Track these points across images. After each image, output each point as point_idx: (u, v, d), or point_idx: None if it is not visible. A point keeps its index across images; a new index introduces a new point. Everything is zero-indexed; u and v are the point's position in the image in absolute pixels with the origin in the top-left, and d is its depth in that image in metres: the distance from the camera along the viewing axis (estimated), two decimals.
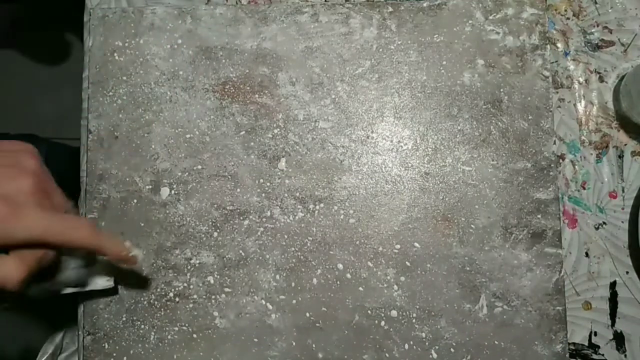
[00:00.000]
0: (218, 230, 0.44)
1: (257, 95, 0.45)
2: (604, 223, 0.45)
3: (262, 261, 0.44)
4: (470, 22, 0.46)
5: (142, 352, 0.43)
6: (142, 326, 0.43)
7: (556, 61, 0.47)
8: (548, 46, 0.45)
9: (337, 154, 0.45)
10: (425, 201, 0.44)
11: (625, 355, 0.44)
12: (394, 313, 0.43)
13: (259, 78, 0.45)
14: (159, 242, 0.44)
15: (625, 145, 0.46)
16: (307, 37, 0.46)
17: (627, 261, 0.45)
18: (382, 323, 0.43)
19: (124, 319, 0.43)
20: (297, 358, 0.43)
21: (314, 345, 0.43)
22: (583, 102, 0.46)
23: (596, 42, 0.47)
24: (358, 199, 0.44)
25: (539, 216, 0.44)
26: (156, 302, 0.43)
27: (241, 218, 0.44)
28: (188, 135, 0.45)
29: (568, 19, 0.47)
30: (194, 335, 0.43)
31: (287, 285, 0.43)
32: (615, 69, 0.46)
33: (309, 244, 0.44)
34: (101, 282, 0.41)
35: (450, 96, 0.45)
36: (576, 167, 0.46)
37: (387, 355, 0.43)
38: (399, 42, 0.46)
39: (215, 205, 0.44)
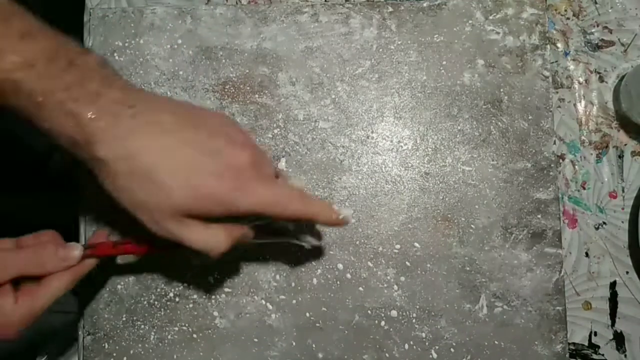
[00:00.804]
0: None
1: (257, 95, 0.45)
2: (604, 223, 0.45)
3: (262, 261, 0.44)
4: (470, 22, 0.46)
5: (142, 352, 0.43)
6: (142, 326, 0.43)
7: (556, 61, 0.47)
8: (548, 46, 0.45)
9: (337, 154, 0.45)
10: (425, 201, 0.44)
11: (625, 355, 0.44)
12: (394, 313, 0.43)
13: (259, 78, 0.45)
14: None
15: (625, 145, 0.46)
16: (307, 37, 0.46)
17: (627, 261, 0.45)
18: (382, 323, 0.43)
19: (124, 319, 0.43)
20: (297, 358, 0.43)
21: (314, 345, 0.43)
22: (583, 102, 0.46)
23: (596, 42, 0.47)
24: (358, 199, 0.44)
25: (539, 216, 0.44)
26: (156, 302, 0.43)
27: None
28: None
29: (568, 19, 0.47)
30: (194, 335, 0.43)
31: (287, 285, 0.43)
32: (615, 69, 0.46)
33: None
34: (312, 240, 0.40)
35: (450, 96, 0.45)
36: (576, 167, 0.46)
37: (387, 355, 0.43)
38: (399, 42, 0.46)
39: None
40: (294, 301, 0.43)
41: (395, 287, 0.43)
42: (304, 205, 0.33)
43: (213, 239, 0.32)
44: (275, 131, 0.45)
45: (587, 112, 0.46)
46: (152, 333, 0.43)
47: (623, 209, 0.45)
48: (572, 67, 0.47)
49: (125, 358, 0.43)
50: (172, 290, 0.44)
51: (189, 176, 0.30)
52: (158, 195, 0.29)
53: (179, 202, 0.30)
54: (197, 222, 0.31)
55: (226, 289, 0.44)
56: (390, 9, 0.46)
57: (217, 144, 0.31)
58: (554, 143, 0.44)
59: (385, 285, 0.43)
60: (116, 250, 0.37)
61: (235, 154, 0.31)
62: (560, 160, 0.46)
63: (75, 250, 0.34)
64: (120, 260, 0.43)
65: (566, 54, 0.47)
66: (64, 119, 0.28)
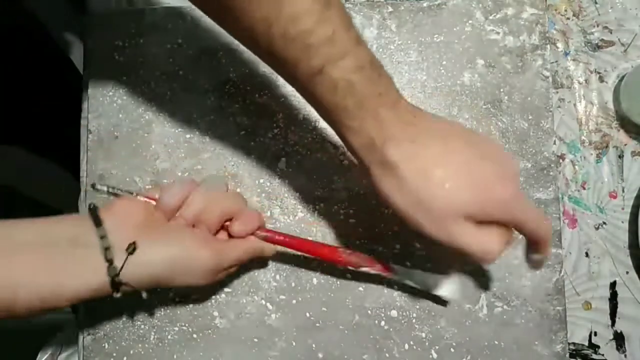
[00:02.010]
0: None
1: (257, 95, 0.45)
2: (604, 223, 0.45)
3: (262, 261, 0.44)
4: (470, 22, 0.46)
5: (142, 352, 0.43)
6: (142, 326, 0.43)
7: (556, 61, 0.47)
8: (548, 46, 0.45)
9: (337, 154, 0.45)
10: None
11: (625, 355, 0.44)
12: (394, 313, 0.43)
13: (259, 78, 0.45)
14: None
15: (625, 145, 0.46)
16: None
17: (627, 261, 0.45)
18: (382, 323, 0.43)
19: (124, 319, 0.43)
20: (297, 358, 0.43)
21: (314, 345, 0.43)
22: (583, 102, 0.46)
23: (596, 42, 0.47)
24: (358, 199, 0.44)
25: None
26: (156, 302, 0.43)
27: None
28: (188, 135, 0.45)
29: (568, 19, 0.47)
30: (194, 335, 0.43)
31: (287, 285, 0.43)
32: (615, 69, 0.46)
33: None
34: (448, 289, 0.41)
35: (450, 96, 0.45)
36: (576, 167, 0.46)
37: (387, 355, 0.43)
38: (399, 42, 0.46)
39: None
40: (294, 301, 0.43)
41: (395, 287, 0.43)
42: (542, 222, 0.35)
43: (489, 243, 0.33)
44: (275, 131, 0.45)
45: (587, 112, 0.46)
46: (152, 333, 0.43)
47: (623, 208, 0.45)
48: (572, 67, 0.47)
49: (125, 358, 0.43)
50: (172, 290, 0.44)
51: (476, 179, 0.31)
52: (444, 196, 0.31)
53: (464, 204, 0.31)
54: (474, 226, 0.32)
55: (226, 289, 0.44)
56: (390, 9, 0.46)
57: (496, 153, 0.33)
58: (554, 143, 0.44)
59: (385, 285, 0.43)
60: (289, 243, 0.40)
61: (512, 164, 0.34)
62: (560, 160, 0.46)
63: (271, 249, 0.41)
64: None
65: (566, 54, 0.47)
66: (372, 121, 0.31)
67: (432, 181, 0.31)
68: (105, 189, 0.39)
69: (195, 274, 0.36)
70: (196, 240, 0.36)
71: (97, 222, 0.35)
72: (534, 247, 0.35)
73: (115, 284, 0.33)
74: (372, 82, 0.31)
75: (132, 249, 0.34)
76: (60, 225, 0.35)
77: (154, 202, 0.38)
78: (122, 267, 0.33)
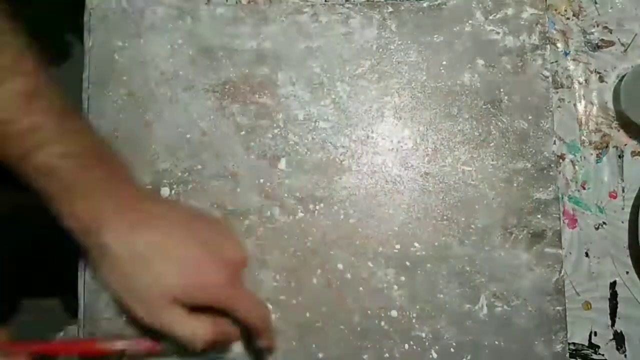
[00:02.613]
0: None
1: (257, 95, 0.45)
2: (604, 223, 0.45)
3: (262, 261, 0.44)
4: (470, 22, 0.46)
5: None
6: None
7: (556, 61, 0.47)
8: (548, 46, 0.45)
9: (337, 154, 0.45)
10: (425, 201, 0.44)
11: (625, 355, 0.44)
12: (394, 313, 0.43)
13: (259, 78, 0.45)
14: None
15: (626, 145, 0.46)
16: (307, 37, 0.46)
17: (627, 261, 0.45)
18: (382, 323, 0.43)
19: (124, 318, 0.43)
20: (297, 358, 0.43)
21: (314, 345, 0.43)
22: (583, 102, 0.46)
23: (596, 42, 0.47)
24: (358, 199, 0.44)
25: (539, 216, 0.44)
26: None
27: (241, 218, 0.44)
28: (188, 135, 0.45)
29: (568, 19, 0.47)
30: None
31: (287, 285, 0.43)
32: (615, 69, 0.46)
33: (309, 244, 0.44)
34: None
35: (450, 96, 0.45)
36: (576, 167, 0.46)
37: (387, 355, 0.43)
38: (399, 42, 0.46)
39: (215, 205, 0.44)
40: (294, 301, 0.43)
41: (395, 287, 0.43)
42: (254, 311, 0.38)
43: (200, 328, 0.34)
44: (275, 131, 0.45)
45: (587, 112, 0.46)
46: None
47: (623, 208, 0.45)
48: (572, 67, 0.47)
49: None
50: None
51: (186, 265, 0.34)
52: (153, 282, 0.33)
53: (170, 288, 0.33)
54: (185, 311, 0.34)
55: None
56: (390, 9, 0.46)
57: (218, 241, 0.36)
58: (554, 143, 0.44)
59: (385, 285, 0.43)
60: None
61: (234, 251, 0.38)
62: (560, 160, 0.46)
63: None
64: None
65: (566, 54, 0.47)
66: (84, 206, 0.33)
67: (143, 267, 0.33)
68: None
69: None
70: None
71: None
72: (254, 333, 0.38)
73: None
74: (84, 169, 0.32)
75: None
76: None
77: None
78: None
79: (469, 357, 0.42)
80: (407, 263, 0.43)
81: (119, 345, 0.38)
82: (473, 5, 0.46)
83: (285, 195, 0.44)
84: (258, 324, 0.37)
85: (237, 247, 0.40)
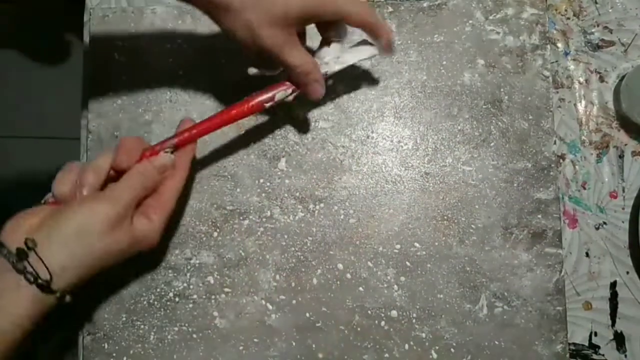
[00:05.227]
0: (218, 230, 0.44)
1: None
2: (604, 223, 0.45)
3: (262, 261, 0.44)
4: (470, 22, 0.46)
5: (142, 352, 0.43)
6: (142, 326, 0.43)
7: (556, 61, 0.47)
8: (548, 46, 0.45)
9: (337, 154, 0.45)
10: (425, 201, 0.44)
11: (626, 356, 0.44)
12: (394, 313, 0.43)
13: (259, 78, 0.45)
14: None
15: (626, 145, 0.46)
16: (307, 37, 0.46)
17: (628, 261, 0.45)
18: (382, 323, 0.43)
19: (124, 319, 0.43)
20: (297, 358, 0.43)
21: (314, 345, 0.43)
22: (583, 102, 0.46)
23: (596, 42, 0.47)
24: (358, 199, 0.44)
25: (539, 216, 0.43)
26: (156, 302, 0.43)
27: (241, 218, 0.44)
28: None
29: (568, 19, 0.47)
30: (194, 335, 0.43)
31: (287, 285, 0.43)
32: (615, 69, 0.46)
33: (309, 244, 0.44)
34: (367, 50, 0.40)
35: (450, 96, 0.45)
36: (576, 167, 0.46)
37: (387, 355, 0.43)
38: (399, 42, 0.46)
39: (215, 205, 0.44)
40: (294, 301, 0.43)
41: (395, 287, 0.43)
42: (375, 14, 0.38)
43: (307, 57, 0.37)
44: (275, 131, 0.45)
45: (588, 112, 0.46)
46: (152, 333, 0.43)
47: (623, 208, 0.45)
48: (572, 67, 0.47)
49: (125, 358, 0.43)
50: (172, 290, 0.44)
51: None
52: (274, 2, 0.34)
53: (294, 7, 0.34)
54: (298, 42, 0.36)
55: (226, 289, 0.44)
56: (390, 9, 0.46)
57: None
58: (554, 143, 0.44)
59: (385, 285, 0.43)
60: (198, 131, 0.38)
61: None
62: (561, 160, 0.46)
63: (166, 158, 0.37)
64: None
65: (566, 54, 0.47)
66: None
67: None
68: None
69: (103, 232, 0.33)
70: (85, 201, 0.34)
71: None
72: (372, 34, 0.38)
73: (43, 287, 0.32)
74: None
75: (30, 244, 0.32)
76: None
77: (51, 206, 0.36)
78: (33, 267, 0.31)
79: (469, 357, 0.42)
80: (407, 263, 0.43)
81: (268, 95, 0.39)
82: (473, 5, 0.46)
83: (285, 195, 0.44)
84: (372, 21, 0.37)
85: None
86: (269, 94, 0.39)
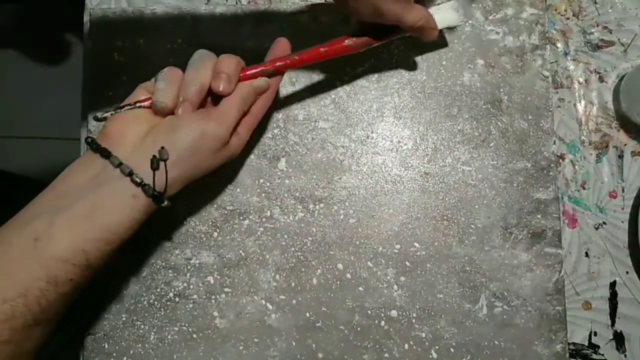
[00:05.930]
0: (218, 230, 0.44)
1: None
2: (604, 223, 0.45)
3: (262, 261, 0.44)
4: (470, 22, 0.46)
5: (142, 352, 0.43)
6: (142, 326, 0.43)
7: (556, 61, 0.47)
8: (548, 46, 0.45)
9: (337, 154, 0.45)
10: (425, 201, 0.44)
11: (625, 355, 0.44)
12: (394, 313, 0.43)
13: None
14: (158, 242, 0.44)
15: (625, 145, 0.46)
16: (307, 37, 0.46)
17: (627, 261, 0.45)
18: (382, 323, 0.43)
19: (124, 319, 0.43)
20: (297, 358, 0.43)
21: (314, 345, 0.43)
22: (583, 102, 0.46)
23: (596, 42, 0.47)
24: (358, 199, 0.44)
25: (539, 216, 0.44)
26: (156, 302, 0.43)
27: (241, 218, 0.44)
28: None
29: (568, 19, 0.47)
30: (194, 335, 0.43)
31: (287, 285, 0.43)
32: (615, 69, 0.46)
33: (309, 244, 0.44)
34: (451, 17, 0.42)
35: (450, 96, 0.45)
36: (576, 167, 0.46)
37: (387, 355, 0.43)
38: (399, 42, 0.46)
39: (215, 205, 0.44)
40: (294, 301, 0.43)
41: (395, 287, 0.43)
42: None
43: (423, 11, 0.39)
44: (275, 131, 0.45)
45: (587, 112, 0.46)
46: (152, 333, 0.43)
47: (623, 208, 0.45)
48: (572, 67, 0.47)
49: (125, 358, 0.43)
50: (172, 290, 0.44)
51: None
52: None
53: None
54: (412, 1, 0.38)
55: (226, 289, 0.44)
56: None
57: None
58: (554, 143, 0.44)
59: (385, 285, 0.43)
60: (292, 61, 0.39)
61: None
62: (560, 160, 0.46)
63: (263, 81, 0.38)
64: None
65: (566, 54, 0.47)
66: None
67: None
68: (108, 114, 0.37)
69: (213, 150, 0.36)
70: (195, 119, 0.36)
71: (105, 153, 0.34)
72: (422, 35, 0.40)
73: (157, 198, 0.34)
74: None
75: (156, 163, 0.34)
76: (74, 177, 0.34)
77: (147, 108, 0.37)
78: (154, 184, 0.34)
79: (468, 357, 0.42)
80: (407, 263, 0.43)
81: (361, 41, 0.40)
82: (473, 5, 0.46)
83: (285, 195, 0.44)
84: (424, 24, 0.39)
85: None
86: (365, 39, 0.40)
